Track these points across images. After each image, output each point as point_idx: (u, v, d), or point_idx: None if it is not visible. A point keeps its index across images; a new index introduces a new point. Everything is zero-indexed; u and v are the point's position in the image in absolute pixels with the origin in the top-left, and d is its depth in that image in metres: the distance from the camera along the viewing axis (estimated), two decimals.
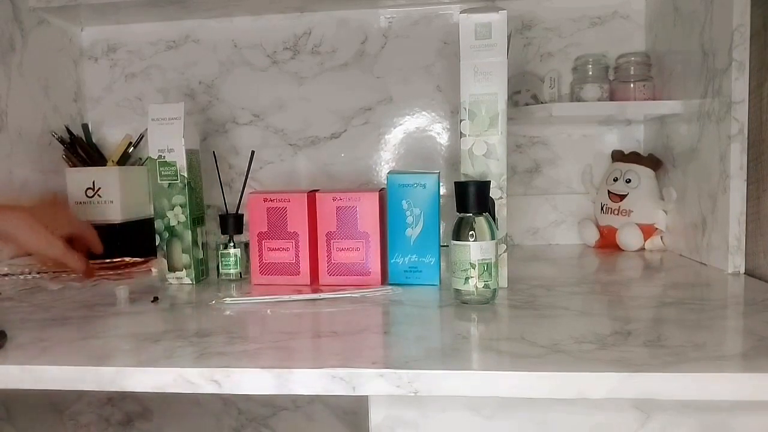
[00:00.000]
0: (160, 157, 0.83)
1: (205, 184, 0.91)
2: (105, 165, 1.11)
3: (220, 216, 0.87)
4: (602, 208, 1.09)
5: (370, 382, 0.48)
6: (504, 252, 0.75)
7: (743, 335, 0.56)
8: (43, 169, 1.12)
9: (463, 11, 0.72)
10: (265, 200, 0.81)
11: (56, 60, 1.17)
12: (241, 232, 0.88)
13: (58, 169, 1.13)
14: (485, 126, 0.73)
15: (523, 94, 1.12)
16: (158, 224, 0.84)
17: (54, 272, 0.81)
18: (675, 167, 1.01)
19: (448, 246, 0.70)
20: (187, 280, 0.84)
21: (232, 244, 0.86)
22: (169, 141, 0.82)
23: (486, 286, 0.67)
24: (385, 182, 0.79)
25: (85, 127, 1.16)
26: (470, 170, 0.74)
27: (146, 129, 0.92)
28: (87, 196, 1.07)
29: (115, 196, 1.06)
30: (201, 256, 0.87)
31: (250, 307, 0.71)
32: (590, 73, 1.04)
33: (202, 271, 0.87)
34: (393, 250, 0.79)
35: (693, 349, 0.51)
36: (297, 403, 1.20)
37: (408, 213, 0.78)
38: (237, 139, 1.22)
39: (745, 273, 0.82)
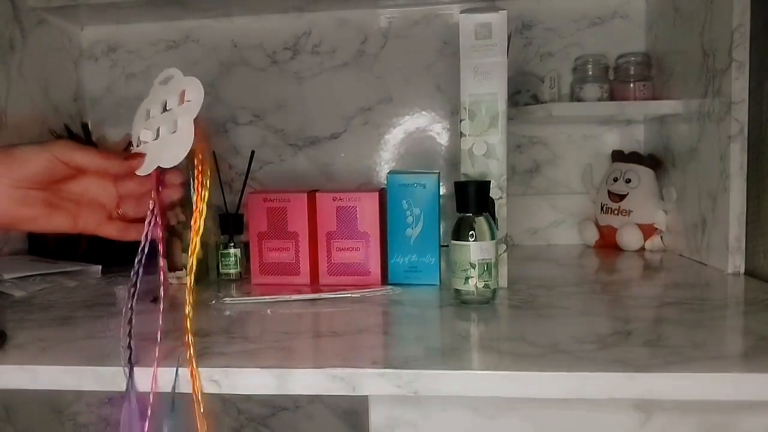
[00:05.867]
0: None
1: None
2: None
3: (220, 216, 0.87)
4: (602, 208, 1.09)
5: (370, 382, 0.48)
6: (504, 252, 0.75)
7: (743, 335, 0.56)
8: None
9: (463, 11, 0.72)
10: (265, 200, 0.81)
11: (56, 60, 1.17)
12: (241, 232, 0.88)
13: None
14: (485, 126, 0.73)
15: (523, 94, 1.11)
16: None
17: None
18: (675, 167, 1.01)
19: (448, 246, 0.70)
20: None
21: (232, 244, 0.86)
22: None
23: (486, 286, 0.66)
24: (385, 182, 0.79)
25: (84, 126, 1.15)
26: (470, 170, 0.74)
27: None
28: None
29: None
30: (201, 255, 0.87)
31: (250, 307, 0.71)
32: (590, 73, 1.04)
33: (202, 271, 0.87)
34: (393, 250, 0.79)
35: (693, 349, 0.51)
36: (297, 403, 1.20)
37: (408, 213, 0.78)
38: (237, 139, 1.22)
39: (745, 273, 0.82)
